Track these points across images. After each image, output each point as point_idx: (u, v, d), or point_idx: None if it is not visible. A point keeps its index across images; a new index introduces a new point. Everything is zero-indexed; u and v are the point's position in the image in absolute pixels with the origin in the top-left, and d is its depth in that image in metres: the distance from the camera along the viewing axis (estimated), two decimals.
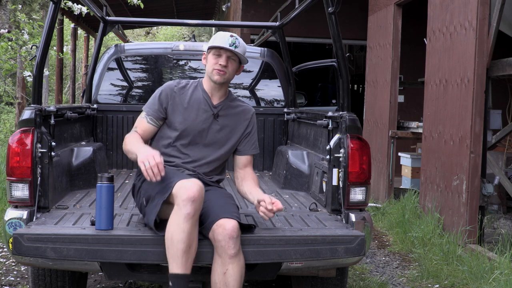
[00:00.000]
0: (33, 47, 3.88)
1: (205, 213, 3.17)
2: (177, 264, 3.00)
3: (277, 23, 5.45)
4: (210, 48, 3.41)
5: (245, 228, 3.17)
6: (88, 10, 5.97)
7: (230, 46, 3.35)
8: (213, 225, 3.08)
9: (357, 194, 3.55)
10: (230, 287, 3.06)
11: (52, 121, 3.72)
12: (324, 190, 3.86)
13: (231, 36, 3.38)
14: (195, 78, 5.14)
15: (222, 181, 3.64)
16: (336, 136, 3.67)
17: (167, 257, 3.03)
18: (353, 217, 3.48)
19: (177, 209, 3.03)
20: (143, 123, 3.47)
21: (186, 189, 3.03)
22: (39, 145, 3.41)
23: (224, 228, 3.05)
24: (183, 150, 3.46)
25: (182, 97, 3.48)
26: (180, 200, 3.02)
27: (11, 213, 3.33)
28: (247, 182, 3.47)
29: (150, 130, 3.47)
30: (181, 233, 2.99)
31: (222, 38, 3.38)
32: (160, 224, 3.14)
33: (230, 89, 3.99)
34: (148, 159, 3.11)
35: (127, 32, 24.66)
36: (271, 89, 5.63)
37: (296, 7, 4.68)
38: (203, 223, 3.14)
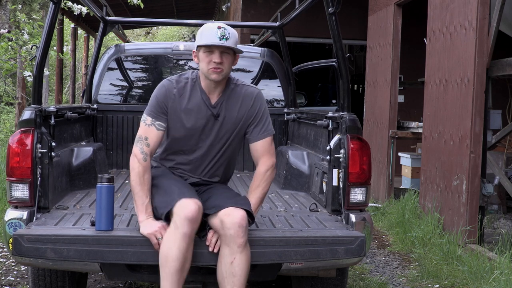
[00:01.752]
0: (33, 47, 3.88)
1: (209, 203, 3.16)
2: (170, 283, 2.99)
3: (277, 23, 5.44)
4: (200, 46, 3.20)
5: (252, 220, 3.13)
6: (88, 10, 5.97)
7: (220, 40, 3.12)
8: (220, 213, 3.04)
9: (357, 195, 3.54)
10: (237, 276, 3.00)
11: (52, 121, 3.71)
12: (324, 191, 3.85)
13: (219, 28, 3.12)
14: None
15: (230, 178, 3.56)
16: (336, 137, 3.67)
17: (160, 273, 3.01)
18: (353, 217, 3.48)
19: (173, 227, 3.00)
20: (152, 132, 3.25)
21: (184, 208, 2.99)
22: (39, 146, 3.40)
23: (233, 217, 3.01)
24: (187, 157, 3.37)
25: (181, 100, 3.28)
26: (178, 219, 2.99)
27: (11, 214, 3.33)
28: (252, 183, 3.34)
29: (160, 137, 3.28)
30: (176, 251, 2.97)
31: (210, 34, 3.13)
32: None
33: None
34: (161, 233, 3.04)
35: (127, 32, 24.65)
36: (271, 89, 5.62)
37: (296, 7, 4.68)
38: (206, 215, 3.12)
